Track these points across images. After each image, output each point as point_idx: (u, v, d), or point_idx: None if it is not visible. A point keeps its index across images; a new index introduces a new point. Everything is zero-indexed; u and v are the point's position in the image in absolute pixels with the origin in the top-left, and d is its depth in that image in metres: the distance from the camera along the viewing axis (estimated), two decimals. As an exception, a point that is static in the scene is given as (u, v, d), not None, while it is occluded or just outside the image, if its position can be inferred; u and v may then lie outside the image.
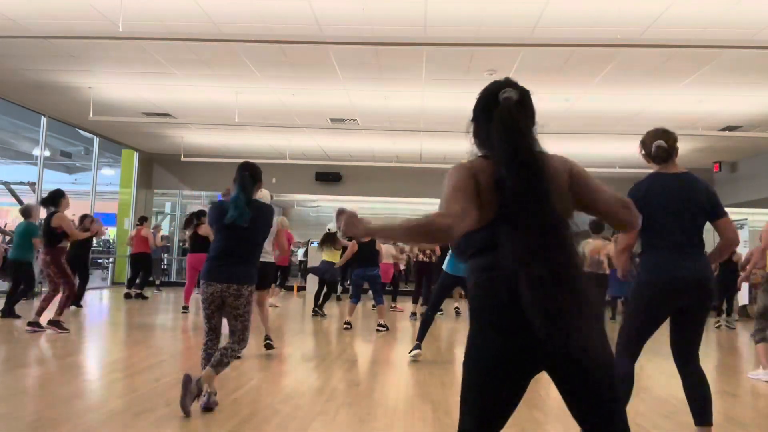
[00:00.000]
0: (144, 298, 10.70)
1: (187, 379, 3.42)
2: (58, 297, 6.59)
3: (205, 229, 8.47)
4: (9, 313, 7.42)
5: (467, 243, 1.64)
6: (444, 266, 5.86)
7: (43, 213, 8.19)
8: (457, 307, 10.06)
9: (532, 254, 1.46)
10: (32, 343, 5.91)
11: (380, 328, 7.61)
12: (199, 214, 8.70)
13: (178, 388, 4.13)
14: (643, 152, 3.13)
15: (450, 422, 3.58)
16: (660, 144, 3.03)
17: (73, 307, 8.74)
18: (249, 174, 3.76)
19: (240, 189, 3.70)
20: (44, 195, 9.00)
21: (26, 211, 7.63)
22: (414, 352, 5.54)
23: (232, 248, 3.68)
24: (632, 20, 5.71)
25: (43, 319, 6.54)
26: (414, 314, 9.37)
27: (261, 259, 5.56)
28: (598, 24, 5.80)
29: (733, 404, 4.36)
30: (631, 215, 1.69)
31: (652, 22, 5.71)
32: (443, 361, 5.70)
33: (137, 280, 11.05)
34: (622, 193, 3.08)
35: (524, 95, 1.65)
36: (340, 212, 1.65)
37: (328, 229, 9.04)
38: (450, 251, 5.72)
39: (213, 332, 3.77)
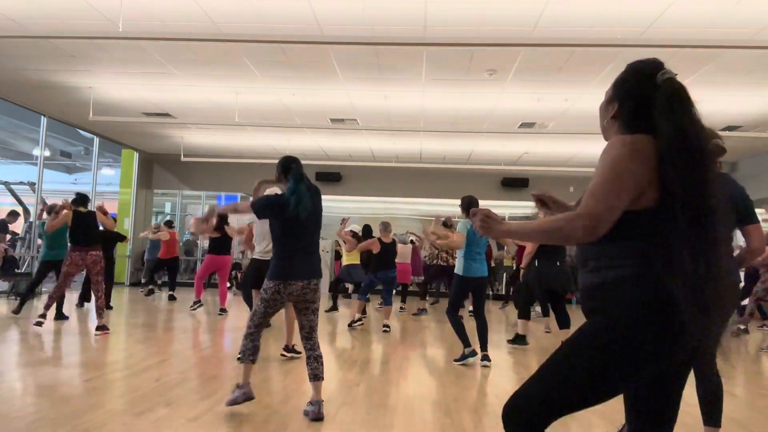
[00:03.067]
0: (175, 299, 10.63)
1: (319, 410, 3.55)
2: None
3: (237, 232, 8.60)
4: (59, 315, 7.52)
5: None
6: (458, 271, 5.60)
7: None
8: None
9: (702, 249, 1.40)
10: (32, 343, 5.91)
11: (386, 329, 7.62)
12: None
13: (178, 388, 4.15)
14: None
15: (450, 422, 3.58)
16: (717, 143, 2.87)
17: (85, 306, 8.83)
18: (296, 166, 3.71)
19: (299, 180, 3.64)
20: (44, 195, 9.07)
21: (53, 210, 7.78)
22: (474, 358, 5.46)
23: (303, 243, 3.66)
24: (632, 20, 5.71)
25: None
26: (424, 310, 9.34)
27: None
28: (598, 24, 5.80)
29: (733, 404, 4.35)
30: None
31: (652, 22, 5.72)
32: (443, 362, 5.70)
33: (159, 281, 11.03)
34: None
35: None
36: (473, 213, 1.63)
37: (351, 231, 8.94)
38: (461, 254, 5.60)
39: (263, 327, 3.72)
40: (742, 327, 8.22)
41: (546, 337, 7.66)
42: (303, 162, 3.85)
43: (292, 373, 4.95)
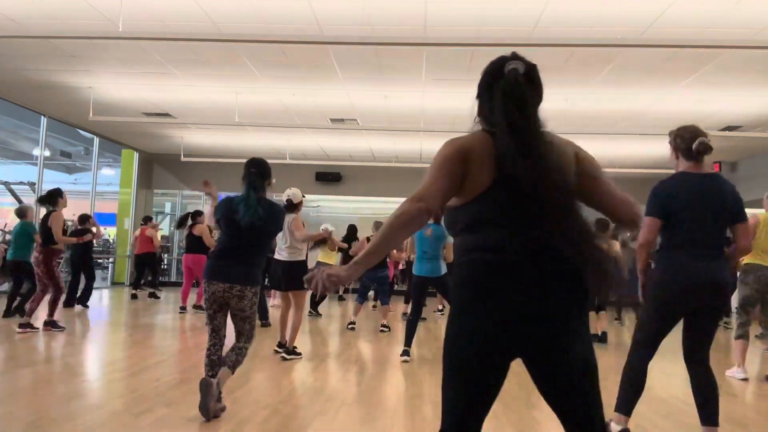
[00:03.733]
0: (157, 297, 10.78)
1: (207, 384, 3.32)
2: (47, 298, 6.61)
3: (199, 229, 8.55)
4: (11, 313, 7.47)
5: (454, 219, 1.62)
6: (413, 269, 5.82)
7: (42, 211, 8.22)
8: (441, 309, 9.90)
9: (534, 223, 1.46)
10: (32, 343, 5.91)
11: (384, 329, 7.62)
12: (194, 214, 8.78)
13: (178, 388, 4.14)
14: (681, 146, 3.04)
15: (450, 422, 3.58)
16: (704, 141, 2.97)
17: (79, 307, 8.79)
18: (256, 171, 3.65)
19: (249, 188, 3.60)
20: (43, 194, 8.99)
21: (21, 212, 7.69)
22: (404, 357, 5.56)
23: (237, 247, 3.56)
24: (632, 20, 5.71)
25: (36, 320, 6.55)
26: (405, 314, 9.31)
27: (295, 258, 5.57)
28: (598, 24, 5.80)
29: (733, 404, 4.35)
30: (632, 212, 1.61)
31: (652, 22, 5.71)
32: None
33: (142, 281, 11.13)
34: (645, 190, 3.09)
35: (531, 69, 1.60)
36: (308, 279, 1.57)
37: (324, 229, 8.99)
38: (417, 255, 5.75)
39: (216, 334, 3.59)
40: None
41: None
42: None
43: (292, 373, 4.95)
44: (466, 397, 1.57)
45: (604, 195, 1.61)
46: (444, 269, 5.75)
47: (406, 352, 5.59)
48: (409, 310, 9.37)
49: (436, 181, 1.55)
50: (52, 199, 6.71)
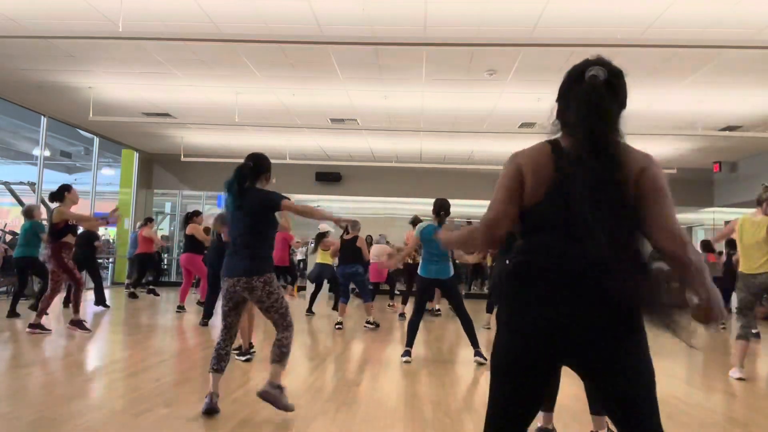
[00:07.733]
0: (156, 294, 10.94)
1: (268, 390, 3.49)
2: (52, 296, 6.60)
3: (191, 228, 8.58)
4: (15, 313, 7.51)
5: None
6: (419, 270, 5.69)
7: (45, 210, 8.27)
8: (438, 309, 9.88)
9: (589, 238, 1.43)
10: (32, 343, 5.91)
11: (368, 326, 7.62)
12: (192, 214, 8.83)
13: (178, 388, 4.15)
14: None
15: (450, 422, 3.58)
16: None
17: (100, 308, 8.80)
18: (252, 164, 3.63)
19: (233, 178, 3.57)
20: (44, 195, 9.04)
21: (28, 212, 7.80)
22: (405, 358, 5.51)
23: (234, 240, 3.61)
24: (632, 20, 5.71)
25: (45, 321, 6.53)
26: (402, 315, 9.28)
27: None
28: (598, 24, 5.80)
29: (733, 404, 4.36)
30: (674, 251, 1.46)
31: (652, 22, 5.72)
32: (443, 361, 5.70)
33: (144, 280, 11.23)
34: None
35: (614, 75, 1.59)
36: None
37: (319, 229, 9.08)
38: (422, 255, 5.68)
39: (228, 332, 3.63)
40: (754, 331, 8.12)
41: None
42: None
43: (292, 373, 4.95)
44: (514, 400, 1.55)
45: (652, 221, 1.49)
46: (452, 271, 5.69)
47: (407, 353, 5.57)
48: (404, 311, 9.40)
49: (501, 202, 1.62)
50: (60, 195, 6.63)
